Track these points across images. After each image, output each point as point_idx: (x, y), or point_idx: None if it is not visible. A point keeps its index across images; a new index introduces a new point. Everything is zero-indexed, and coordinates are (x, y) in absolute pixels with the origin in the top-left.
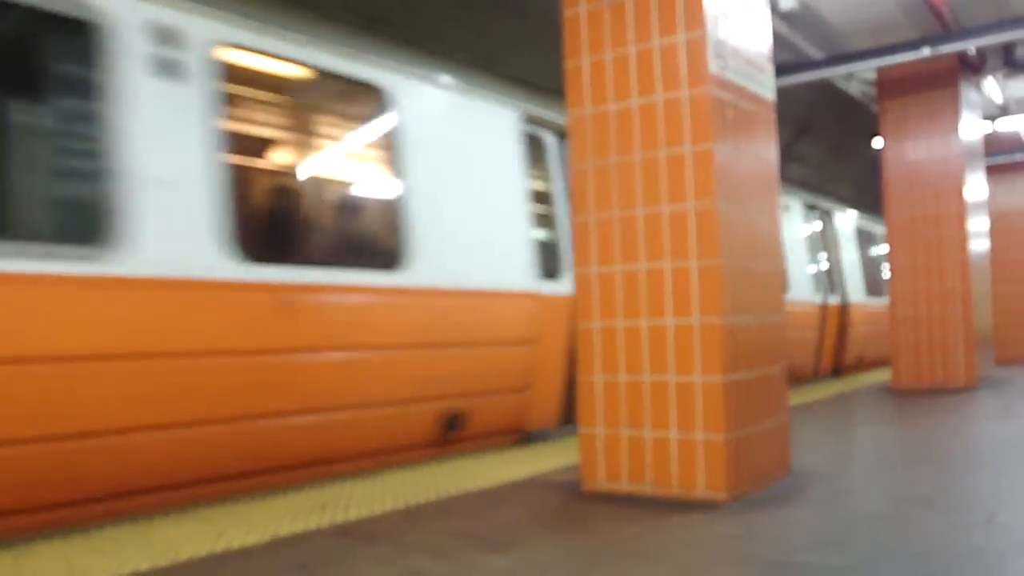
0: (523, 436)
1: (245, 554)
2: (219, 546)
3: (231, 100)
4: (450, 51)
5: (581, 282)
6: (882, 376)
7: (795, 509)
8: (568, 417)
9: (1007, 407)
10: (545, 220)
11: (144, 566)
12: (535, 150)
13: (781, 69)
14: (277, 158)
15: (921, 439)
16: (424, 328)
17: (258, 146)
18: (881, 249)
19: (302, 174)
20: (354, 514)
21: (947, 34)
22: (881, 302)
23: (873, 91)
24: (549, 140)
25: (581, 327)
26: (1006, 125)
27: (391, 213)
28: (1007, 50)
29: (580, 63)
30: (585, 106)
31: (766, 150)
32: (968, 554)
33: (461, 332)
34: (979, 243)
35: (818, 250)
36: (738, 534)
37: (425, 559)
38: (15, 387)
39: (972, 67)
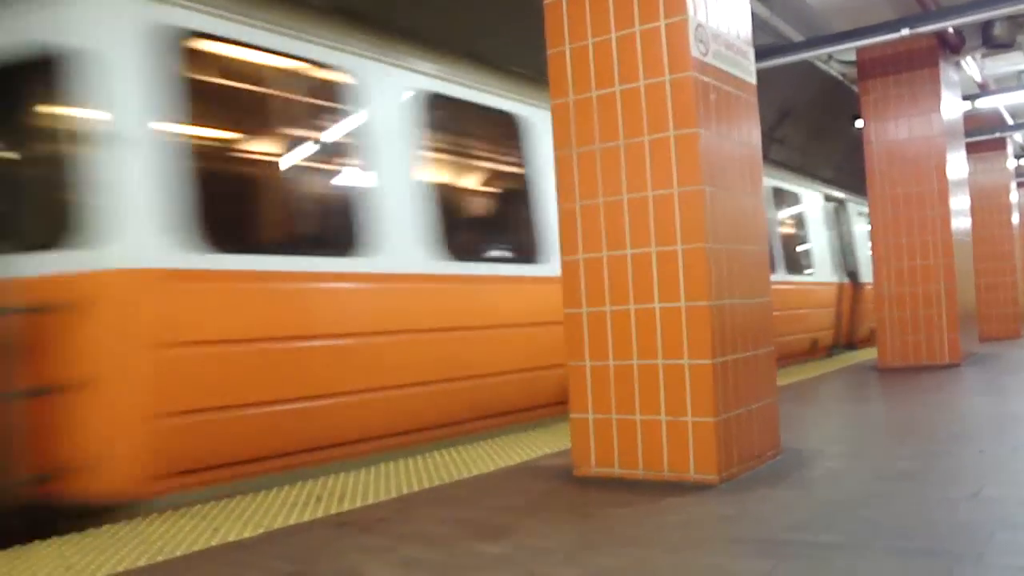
0: None
1: (240, 547)
2: (214, 540)
3: None
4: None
5: (567, 269)
6: (868, 354)
7: (786, 488)
8: None
9: (990, 383)
10: None
11: (141, 562)
12: None
13: (762, 52)
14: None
15: (907, 416)
16: None
17: None
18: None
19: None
20: (348, 505)
21: (926, 14)
22: None
23: (853, 71)
24: None
25: (568, 313)
26: (985, 103)
27: None
28: (985, 29)
29: (562, 50)
30: (568, 93)
31: (749, 133)
32: (955, 529)
33: None
34: (961, 221)
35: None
36: (730, 515)
37: (420, 548)
38: None
39: (951, 46)
